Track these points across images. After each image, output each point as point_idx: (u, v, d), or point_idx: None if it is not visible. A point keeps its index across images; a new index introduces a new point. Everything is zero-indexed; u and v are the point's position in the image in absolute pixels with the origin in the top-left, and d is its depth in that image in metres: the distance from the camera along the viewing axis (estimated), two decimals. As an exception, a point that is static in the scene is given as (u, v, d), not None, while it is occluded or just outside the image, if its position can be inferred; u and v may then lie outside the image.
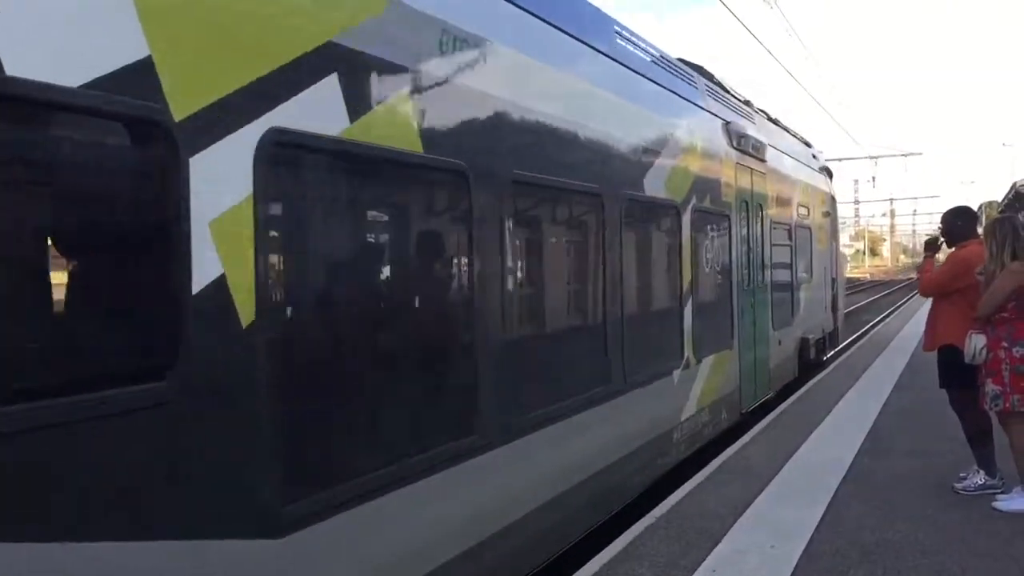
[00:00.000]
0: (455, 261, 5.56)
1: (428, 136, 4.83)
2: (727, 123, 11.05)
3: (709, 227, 10.08)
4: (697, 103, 10.18)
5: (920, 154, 57.65)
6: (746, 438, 9.81)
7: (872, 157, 55.69)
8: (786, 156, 14.60)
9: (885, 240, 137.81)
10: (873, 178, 58.50)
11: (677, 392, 8.87)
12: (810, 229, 16.04)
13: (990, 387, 6.75)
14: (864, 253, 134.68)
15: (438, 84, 4.99)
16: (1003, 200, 58.56)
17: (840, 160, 56.53)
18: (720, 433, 10.25)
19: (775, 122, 15.21)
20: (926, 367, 14.20)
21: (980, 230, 7.85)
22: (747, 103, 13.30)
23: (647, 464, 8.10)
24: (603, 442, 7.14)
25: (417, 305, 5.29)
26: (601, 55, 7.54)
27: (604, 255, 7.21)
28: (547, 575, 6.10)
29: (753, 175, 11.95)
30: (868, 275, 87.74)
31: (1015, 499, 6.87)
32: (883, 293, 52.55)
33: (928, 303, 7.79)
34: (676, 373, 8.81)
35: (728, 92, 12.40)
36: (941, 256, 7.90)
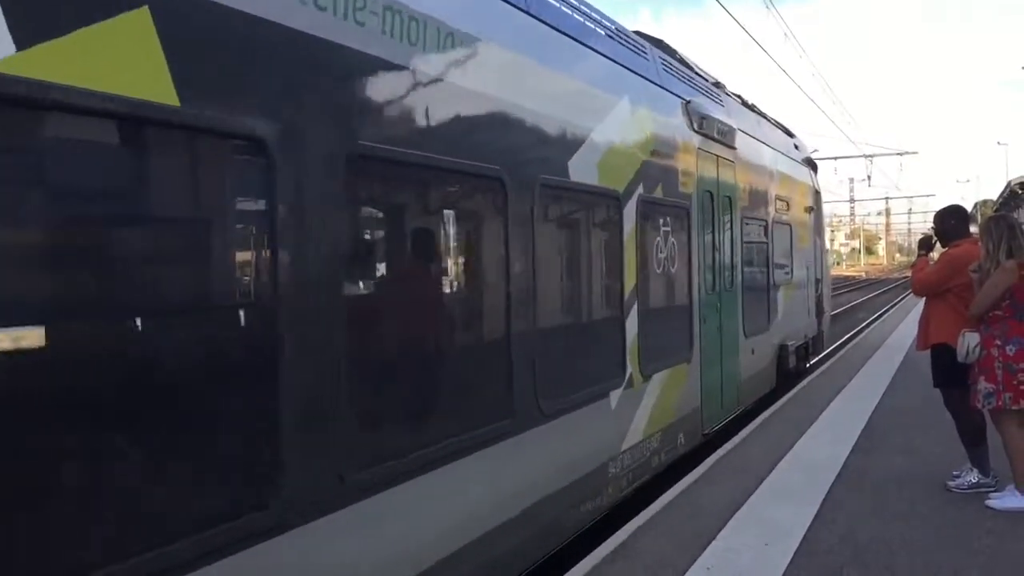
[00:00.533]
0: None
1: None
2: (687, 102, 9.52)
3: (662, 221, 8.61)
4: (649, 78, 8.66)
5: (916, 153, 57.93)
6: (741, 436, 9.79)
7: (868, 156, 55.68)
8: (762, 145, 13.01)
9: (880, 239, 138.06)
10: (869, 176, 58.28)
11: (616, 418, 7.39)
12: (790, 226, 14.61)
13: (983, 385, 6.75)
14: (860, 251, 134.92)
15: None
16: (998, 198, 58.77)
17: (836, 159, 56.56)
18: (679, 459, 8.94)
19: (751, 108, 13.65)
20: (920, 366, 14.25)
21: (974, 229, 7.83)
22: (717, 84, 11.94)
23: (567, 511, 6.53)
24: (500, 494, 5.56)
25: None
26: (511, 6, 6.17)
27: (506, 252, 5.73)
28: (538, 574, 6.07)
29: (720, 163, 10.48)
30: (864, 273, 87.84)
31: (1008, 497, 6.86)
32: (879, 291, 52.61)
33: (922, 302, 7.77)
34: (615, 395, 7.35)
35: (691, 69, 10.91)
36: (935, 255, 7.89)
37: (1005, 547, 6.04)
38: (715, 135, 10.26)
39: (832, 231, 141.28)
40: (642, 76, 8.48)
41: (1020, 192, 46.42)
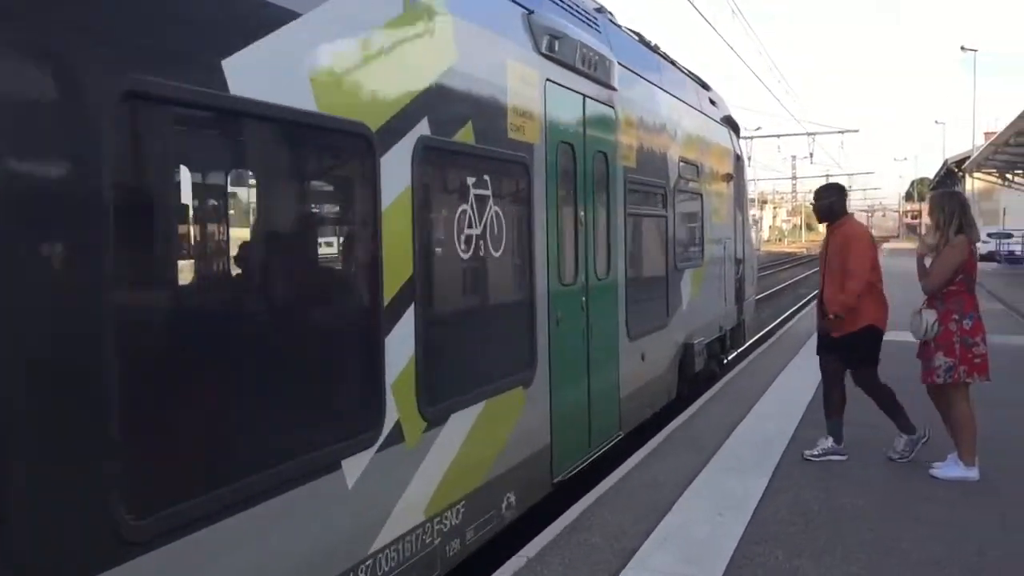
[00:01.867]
0: None
1: None
2: (529, 13, 6.81)
3: (471, 180, 5.81)
4: None
5: (856, 131, 58.52)
6: (690, 411, 9.95)
7: (810, 134, 56.63)
8: (660, 91, 10.34)
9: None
10: (811, 154, 59.27)
11: (358, 500, 4.54)
12: (701, 195, 12.00)
13: (941, 360, 6.92)
14: (801, 228, 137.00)
15: None
16: (935, 176, 60.18)
17: (779, 136, 57.76)
18: (503, 530, 6.22)
19: (651, 48, 11.05)
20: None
21: (926, 205, 7.90)
22: (600, 10, 9.21)
23: None
24: None
25: None
26: None
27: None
28: (499, 549, 6.13)
29: (589, 107, 7.81)
30: (805, 249, 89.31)
31: (950, 467, 7.09)
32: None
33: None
34: (357, 462, 4.49)
35: None
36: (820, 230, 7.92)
37: (947, 515, 6.26)
38: (579, 66, 7.56)
39: (774, 208, 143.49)
40: None
41: (956, 170, 47.61)
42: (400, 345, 4.88)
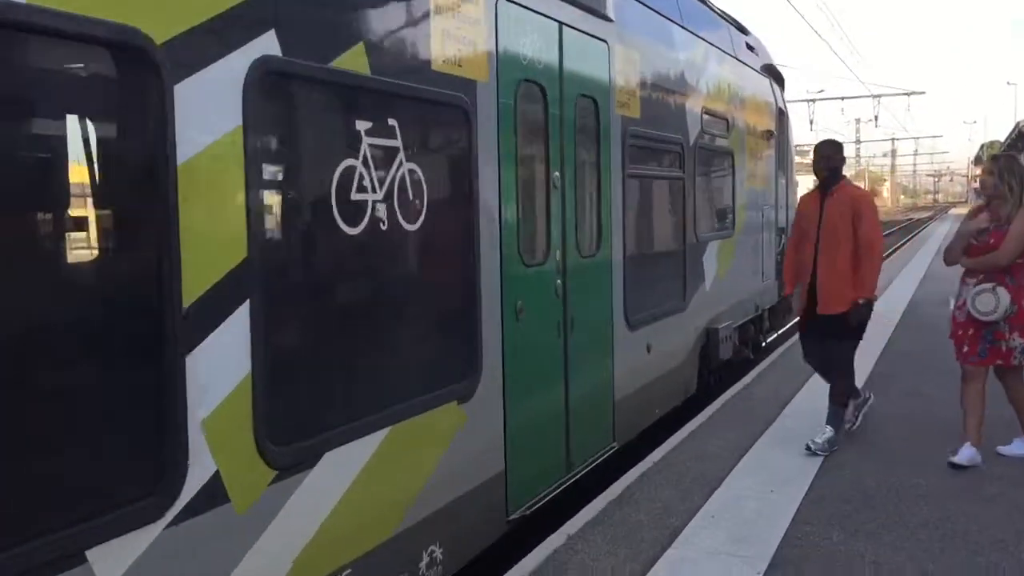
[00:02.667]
0: None
1: None
2: None
3: (365, 127, 4.23)
4: None
5: (923, 93, 56.36)
6: (744, 381, 9.67)
7: (874, 96, 54.92)
8: (675, 27, 8.68)
9: (886, 180, 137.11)
10: (876, 117, 57.54)
11: None
12: (731, 155, 10.38)
13: (1017, 341, 6.34)
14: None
15: None
16: (1006, 139, 58.18)
17: (843, 99, 56.09)
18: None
19: None
20: (925, 309, 14.13)
21: (984, 169, 7.25)
22: None
23: None
24: None
25: None
26: None
27: None
28: (541, 522, 5.97)
29: (568, 37, 6.26)
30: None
31: (1018, 444, 6.74)
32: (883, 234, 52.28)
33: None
34: (118, 551, 2.97)
35: None
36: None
37: (1016, 495, 5.94)
38: None
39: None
40: None
41: (1029, 133, 45.92)
42: (220, 361, 3.37)
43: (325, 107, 4.19)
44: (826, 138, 7.50)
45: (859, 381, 9.25)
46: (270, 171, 3.74)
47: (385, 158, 4.35)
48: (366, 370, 4.34)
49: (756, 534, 5.35)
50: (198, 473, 3.27)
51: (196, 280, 3.26)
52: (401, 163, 4.45)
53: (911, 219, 73.44)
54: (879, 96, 55.04)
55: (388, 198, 4.35)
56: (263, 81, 3.55)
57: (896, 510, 5.70)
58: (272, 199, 3.79)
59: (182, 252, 3.19)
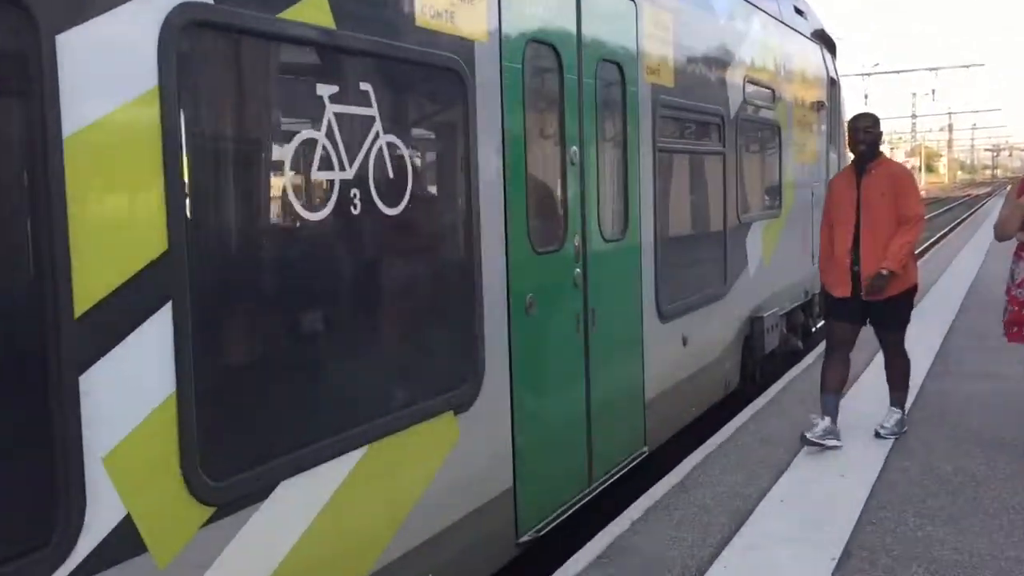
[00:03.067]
0: None
1: None
2: None
3: (329, 92, 3.58)
4: None
5: (982, 65, 54.97)
6: (808, 359, 9.42)
7: (932, 69, 53.68)
8: None
9: (942, 156, 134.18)
10: (933, 91, 56.31)
11: None
12: (778, 128, 9.67)
13: None
14: (920, 170, 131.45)
15: None
16: (1070, 112, 56.23)
17: (899, 72, 54.92)
18: None
19: None
20: (989, 287, 13.68)
21: None
22: None
23: None
24: None
25: None
26: None
27: None
28: (601, 505, 5.84)
29: None
30: (924, 192, 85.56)
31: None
32: (939, 211, 51.20)
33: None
34: None
35: None
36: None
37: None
38: None
39: (891, 149, 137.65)
40: None
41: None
42: (129, 380, 2.76)
43: (273, 68, 3.52)
44: (865, 111, 6.97)
45: (928, 360, 9.01)
46: (199, 145, 3.05)
47: (356, 130, 3.69)
48: (336, 381, 3.72)
49: (828, 519, 5.15)
50: (101, 518, 2.64)
51: (93, 280, 2.62)
52: (377, 135, 3.81)
53: (968, 195, 71.70)
54: (936, 69, 53.73)
55: (361, 177, 3.72)
56: (187, 33, 2.90)
57: (974, 494, 5.47)
58: (202, 179, 3.08)
59: (72, 245, 2.54)
